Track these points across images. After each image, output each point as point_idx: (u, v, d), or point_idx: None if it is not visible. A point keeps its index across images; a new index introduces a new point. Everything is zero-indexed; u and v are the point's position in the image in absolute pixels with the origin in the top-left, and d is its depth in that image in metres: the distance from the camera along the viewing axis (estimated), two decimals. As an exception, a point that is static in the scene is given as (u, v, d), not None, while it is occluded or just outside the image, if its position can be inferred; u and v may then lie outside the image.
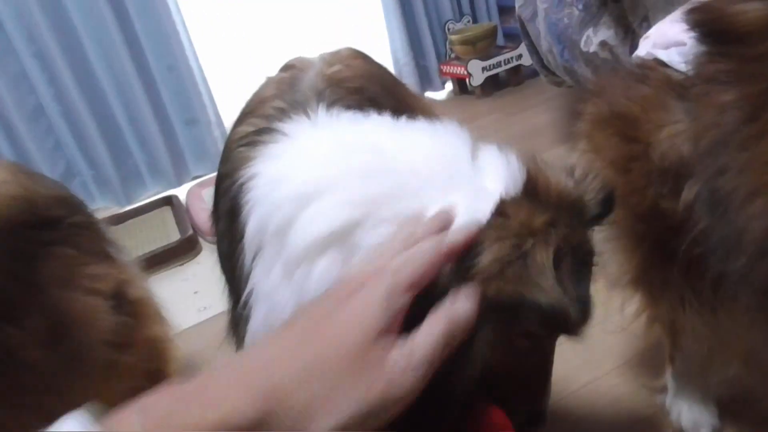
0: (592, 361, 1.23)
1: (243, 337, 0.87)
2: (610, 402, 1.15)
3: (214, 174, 2.89)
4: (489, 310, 0.60)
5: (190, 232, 2.16)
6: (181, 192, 2.58)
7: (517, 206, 0.63)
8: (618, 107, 0.83)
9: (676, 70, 0.78)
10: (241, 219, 0.81)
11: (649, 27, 1.27)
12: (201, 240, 2.20)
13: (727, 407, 1.06)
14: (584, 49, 1.51)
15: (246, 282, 0.82)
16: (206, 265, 2.06)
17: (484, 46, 2.93)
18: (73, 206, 1.18)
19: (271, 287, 0.76)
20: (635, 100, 0.81)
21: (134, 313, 1.19)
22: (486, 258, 0.60)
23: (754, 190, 0.64)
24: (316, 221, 0.69)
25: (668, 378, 1.08)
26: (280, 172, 0.78)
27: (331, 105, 0.87)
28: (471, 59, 2.90)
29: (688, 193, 0.76)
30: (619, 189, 0.87)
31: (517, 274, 0.59)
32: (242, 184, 0.82)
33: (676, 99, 0.77)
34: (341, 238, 0.68)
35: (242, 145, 0.88)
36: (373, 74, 1.11)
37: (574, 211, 0.67)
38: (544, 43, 1.69)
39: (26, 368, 0.97)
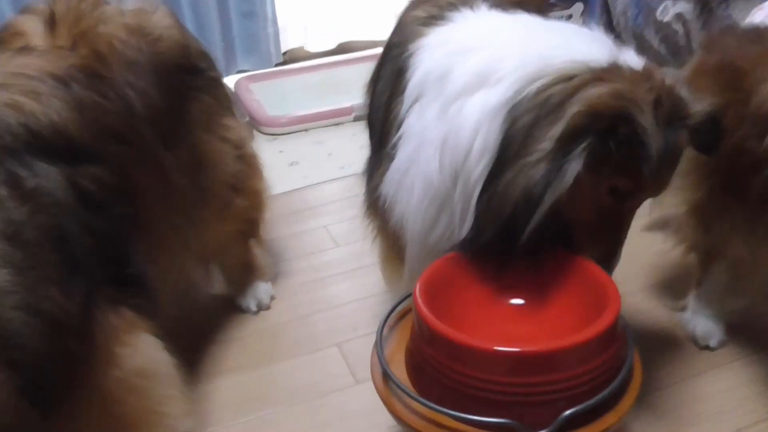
0: (621, 281, 1.44)
1: (381, 174, 1.05)
2: (634, 314, 1.37)
3: (265, 70, 2.96)
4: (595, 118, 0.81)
5: (246, 118, 2.28)
6: (227, 83, 2.67)
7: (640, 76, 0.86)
8: (730, 59, 1.02)
9: (786, 37, 0.97)
10: (407, 76, 1.02)
11: (727, 8, 1.44)
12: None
13: (733, 326, 1.30)
14: (659, 18, 1.67)
15: (398, 128, 1.01)
16: (259, 152, 2.21)
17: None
18: (211, 62, 1.32)
19: (424, 125, 0.98)
20: (747, 56, 0.99)
21: (249, 165, 1.36)
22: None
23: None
24: (474, 65, 0.92)
25: (690, 299, 1.30)
26: (446, 41, 0.99)
27: (491, 6, 1.08)
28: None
29: (774, 135, 0.96)
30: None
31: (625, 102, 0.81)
32: (413, 52, 1.02)
33: (782, 62, 0.95)
34: (489, 79, 0.88)
35: (417, 24, 1.08)
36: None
37: (678, 108, 0.88)
38: (620, 5, 1.84)
39: (175, 189, 1.12)
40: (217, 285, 1.47)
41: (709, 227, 1.15)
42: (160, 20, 1.17)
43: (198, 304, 1.48)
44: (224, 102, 1.31)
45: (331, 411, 1.18)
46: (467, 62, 0.93)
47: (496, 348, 0.83)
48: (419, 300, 0.90)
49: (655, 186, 0.93)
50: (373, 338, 1.30)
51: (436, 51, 1.00)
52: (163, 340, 0.96)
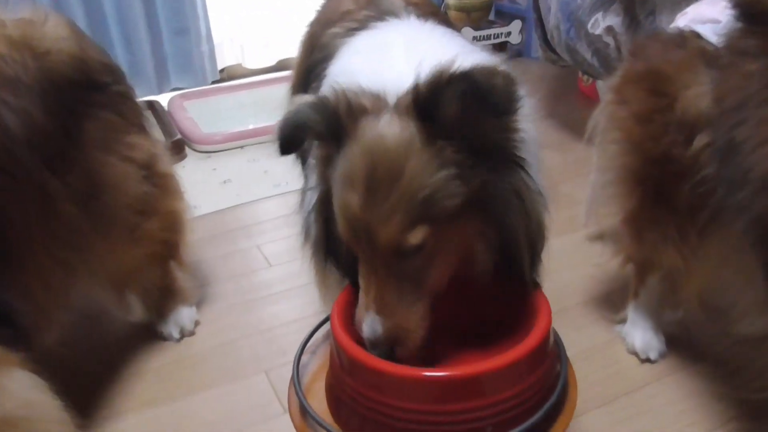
0: (559, 296, 1.41)
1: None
2: (574, 329, 1.33)
3: (200, 87, 2.90)
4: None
5: (178, 135, 2.20)
6: (159, 100, 2.58)
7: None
8: (655, 65, 0.99)
9: (709, 43, 0.94)
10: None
11: (654, 21, 1.43)
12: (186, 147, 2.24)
13: (672, 338, 1.27)
14: (591, 31, 1.66)
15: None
16: (190, 170, 2.12)
17: (478, 16, 3.05)
18: (118, 75, 1.23)
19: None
20: (671, 62, 0.96)
21: (160, 185, 1.27)
22: None
23: (763, 139, 0.80)
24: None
25: (629, 310, 1.27)
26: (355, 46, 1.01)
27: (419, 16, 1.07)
28: (464, 26, 3.03)
29: (699, 142, 0.93)
30: (637, 137, 1.03)
31: None
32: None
33: (705, 66, 0.93)
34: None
35: (339, 38, 1.06)
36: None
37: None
38: (553, 19, 1.83)
39: (61, 220, 1.03)
40: (135, 312, 1.37)
41: (642, 237, 1.12)
42: (51, 31, 1.08)
43: (111, 334, 1.38)
44: (131, 118, 1.21)
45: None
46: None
47: (419, 373, 0.76)
48: (336, 324, 0.83)
49: None
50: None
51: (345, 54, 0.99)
52: (45, 379, 0.86)
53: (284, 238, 1.73)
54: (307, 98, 0.86)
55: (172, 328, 1.36)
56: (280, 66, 2.95)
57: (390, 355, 0.80)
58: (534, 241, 0.86)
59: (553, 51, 1.98)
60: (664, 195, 1.02)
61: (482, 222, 0.82)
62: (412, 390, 0.76)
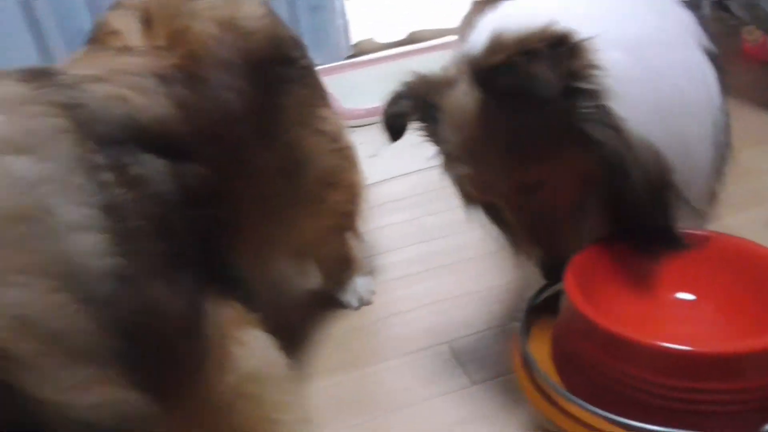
0: None
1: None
2: None
3: (336, 63, 2.94)
4: None
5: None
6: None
7: None
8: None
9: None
10: None
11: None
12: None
13: None
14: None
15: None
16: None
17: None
18: (303, 48, 1.26)
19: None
20: None
21: (345, 157, 1.30)
22: None
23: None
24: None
25: None
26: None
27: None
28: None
29: None
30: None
31: None
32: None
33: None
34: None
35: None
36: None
37: None
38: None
39: (270, 192, 1.07)
40: (315, 281, 1.42)
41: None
42: (252, 11, 1.11)
43: (294, 301, 1.44)
44: (318, 91, 1.25)
45: (446, 415, 1.10)
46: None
47: (677, 347, 0.72)
48: (571, 287, 0.81)
49: None
50: (488, 336, 1.24)
51: None
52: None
53: (442, 211, 1.73)
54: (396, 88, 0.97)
55: (350, 297, 1.39)
56: (411, 38, 2.93)
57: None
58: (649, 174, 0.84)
59: (725, 9, 1.84)
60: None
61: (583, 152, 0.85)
62: (666, 363, 0.73)
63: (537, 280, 1.02)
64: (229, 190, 0.95)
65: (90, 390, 0.64)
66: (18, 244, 0.62)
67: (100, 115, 0.77)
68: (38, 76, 0.78)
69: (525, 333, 0.88)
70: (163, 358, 0.74)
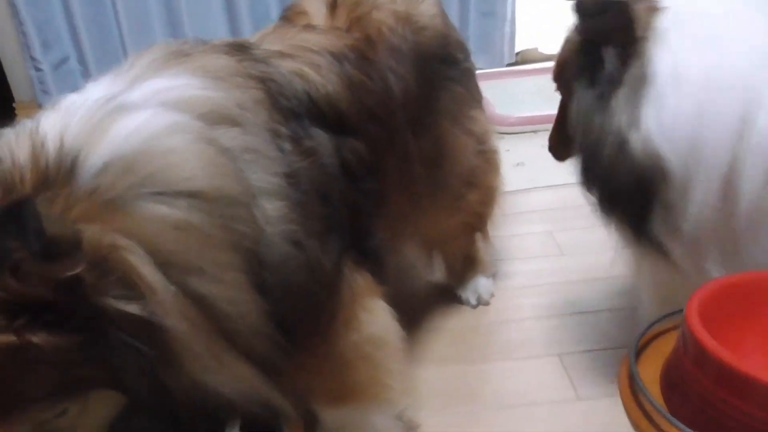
0: None
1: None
2: None
3: (497, 69, 2.93)
4: None
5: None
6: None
7: None
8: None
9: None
10: None
11: None
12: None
13: None
14: None
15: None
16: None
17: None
18: (467, 52, 1.32)
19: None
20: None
21: (488, 160, 1.34)
22: None
23: None
24: None
25: None
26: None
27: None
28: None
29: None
30: None
31: None
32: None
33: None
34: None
35: None
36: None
37: None
38: None
39: (413, 179, 1.14)
40: (437, 273, 1.48)
41: None
42: (427, 9, 1.19)
43: (415, 289, 1.51)
44: (474, 94, 1.30)
45: (545, 423, 1.13)
46: None
47: None
48: (691, 312, 0.81)
49: None
50: (599, 356, 1.24)
51: None
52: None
53: (577, 228, 1.72)
54: None
55: (470, 295, 1.44)
56: (576, 54, 2.89)
57: None
58: None
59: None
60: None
61: None
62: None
63: (660, 307, 1.02)
64: (380, 169, 1.03)
65: (233, 370, 0.69)
66: (220, 220, 0.68)
67: (286, 89, 0.87)
68: (239, 49, 0.88)
69: (635, 353, 0.88)
70: (307, 313, 0.82)
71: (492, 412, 1.16)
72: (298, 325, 0.81)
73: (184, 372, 0.63)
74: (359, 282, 0.93)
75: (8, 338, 0.55)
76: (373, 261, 1.00)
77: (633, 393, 0.84)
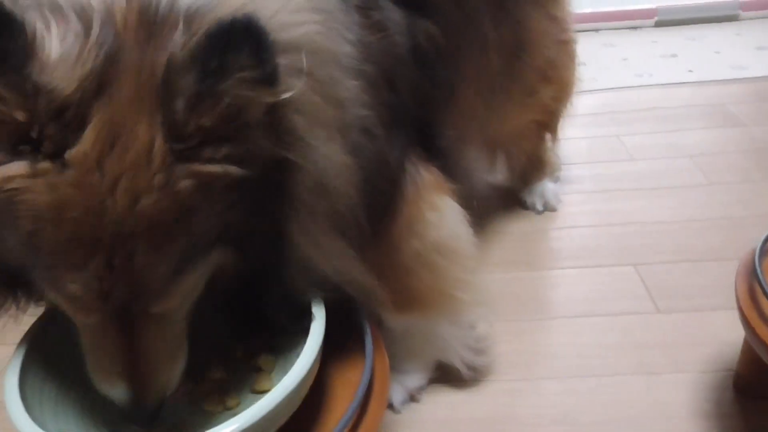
0: None
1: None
2: None
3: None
4: None
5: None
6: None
7: None
8: None
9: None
10: None
11: None
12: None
13: None
14: None
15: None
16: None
17: None
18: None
19: None
20: None
21: (566, 51, 1.22)
22: None
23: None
24: None
25: None
26: None
27: None
28: None
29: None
30: None
31: None
32: None
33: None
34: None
35: None
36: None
37: None
38: None
39: (489, 71, 1.03)
40: (500, 176, 1.39)
41: None
42: None
43: (478, 191, 1.42)
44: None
45: (628, 334, 1.04)
46: None
47: None
48: None
49: None
50: (680, 268, 1.16)
51: None
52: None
53: (648, 132, 1.61)
54: None
55: (536, 199, 1.35)
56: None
57: None
58: None
59: None
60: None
61: None
62: None
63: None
64: (453, 57, 0.92)
65: (335, 249, 0.65)
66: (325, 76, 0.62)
67: None
68: None
69: (761, 260, 0.79)
70: (371, 212, 0.73)
71: (564, 321, 1.09)
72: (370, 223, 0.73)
73: (300, 247, 0.61)
74: (426, 177, 0.84)
75: (210, 168, 0.52)
76: (442, 157, 0.90)
77: (752, 299, 0.76)
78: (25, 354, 0.63)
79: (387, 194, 0.78)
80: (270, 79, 0.51)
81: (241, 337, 0.73)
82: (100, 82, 0.50)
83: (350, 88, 0.66)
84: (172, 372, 0.60)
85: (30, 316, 0.68)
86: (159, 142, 0.50)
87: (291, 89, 0.54)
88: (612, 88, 1.82)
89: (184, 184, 0.51)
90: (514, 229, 1.31)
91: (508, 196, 1.39)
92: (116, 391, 0.58)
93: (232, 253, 0.59)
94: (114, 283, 0.52)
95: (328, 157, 0.61)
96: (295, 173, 0.58)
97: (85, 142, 0.49)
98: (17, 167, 0.49)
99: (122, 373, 0.57)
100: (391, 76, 0.77)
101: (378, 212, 0.77)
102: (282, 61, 0.53)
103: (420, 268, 0.85)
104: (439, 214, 0.85)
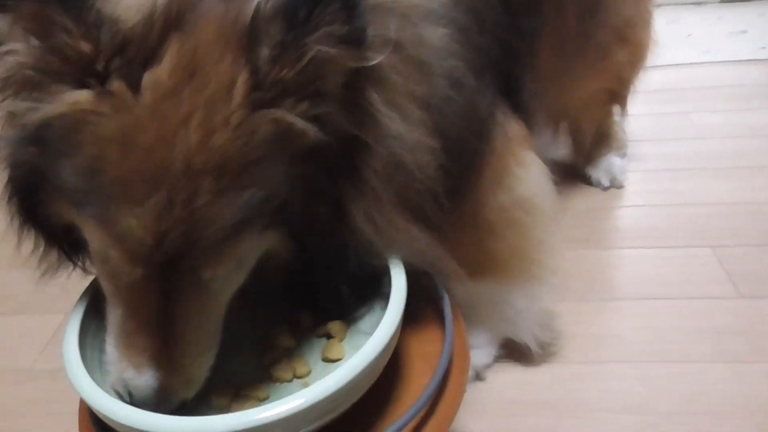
0: None
1: None
2: None
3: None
4: None
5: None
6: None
7: None
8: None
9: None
10: None
11: None
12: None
13: None
14: None
15: None
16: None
17: None
18: None
19: None
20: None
21: (644, 10, 1.16)
22: None
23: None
24: None
25: None
26: None
27: None
28: None
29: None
30: None
31: None
32: None
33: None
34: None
35: None
36: None
37: None
38: None
39: (565, 32, 0.96)
40: (563, 151, 1.32)
41: None
42: None
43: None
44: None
45: (706, 319, 0.96)
46: None
47: None
48: None
49: None
50: (760, 251, 1.08)
51: None
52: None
53: (717, 111, 1.52)
54: None
55: (601, 175, 1.27)
56: None
57: None
58: None
59: None
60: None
61: None
62: None
63: None
64: (534, 10, 0.85)
65: (404, 234, 0.61)
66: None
67: None
68: None
69: None
70: (457, 169, 0.67)
71: (634, 303, 1.01)
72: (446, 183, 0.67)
73: (363, 233, 0.58)
74: (514, 129, 0.78)
75: (289, 118, 0.49)
76: (526, 112, 0.83)
77: None
78: (81, 318, 0.58)
79: (474, 151, 0.72)
80: (357, 39, 0.50)
81: (308, 305, 0.67)
82: (173, 18, 0.47)
83: (439, 38, 0.62)
84: (202, 366, 0.55)
85: (79, 284, 0.64)
86: (241, 81, 0.48)
87: (375, 59, 0.52)
88: (678, 64, 1.73)
89: (262, 128, 0.48)
90: (578, 205, 1.24)
91: (570, 171, 1.31)
92: (141, 379, 0.51)
93: (286, 239, 0.56)
94: (171, 225, 0.47)
95: (402, 138, 0.58)
96: (365, 154, 0.56)
97: (162, 70, 0.47)
98: (87, 93, 0.47)
99: (152, 354, 0.51)
100: (481, 19, 0.71)
101: (463, 174, 0.71)
102: (370, 29, 0.50)
103: (504, 225, 0.79)
104: (526, 169, 0.79)
